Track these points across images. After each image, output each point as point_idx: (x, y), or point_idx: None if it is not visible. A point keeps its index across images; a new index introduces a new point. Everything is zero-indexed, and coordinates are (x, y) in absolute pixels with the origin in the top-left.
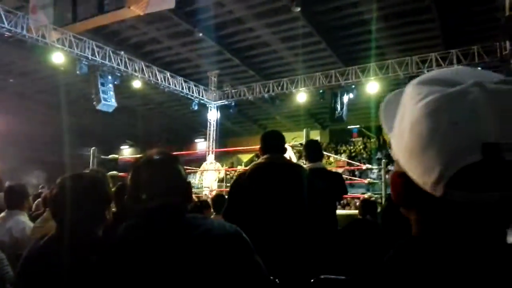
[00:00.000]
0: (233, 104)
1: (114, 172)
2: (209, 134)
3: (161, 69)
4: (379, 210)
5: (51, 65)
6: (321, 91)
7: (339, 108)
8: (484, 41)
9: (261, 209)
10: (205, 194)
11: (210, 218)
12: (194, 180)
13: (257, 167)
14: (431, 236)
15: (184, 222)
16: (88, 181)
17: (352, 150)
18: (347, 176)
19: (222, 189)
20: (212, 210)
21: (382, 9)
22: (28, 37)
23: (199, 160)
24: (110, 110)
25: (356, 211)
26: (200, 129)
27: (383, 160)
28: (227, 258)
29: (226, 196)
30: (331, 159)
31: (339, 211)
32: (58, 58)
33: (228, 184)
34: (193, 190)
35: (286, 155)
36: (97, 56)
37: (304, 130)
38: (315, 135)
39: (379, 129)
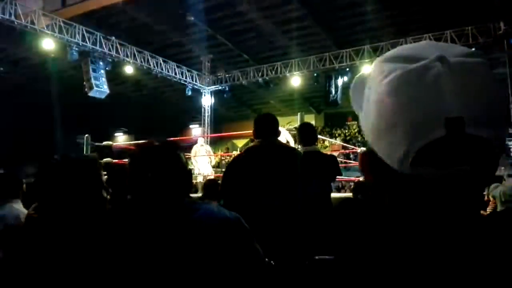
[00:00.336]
0: (227, 89)
1: (109, 159)
2: (204, 120)
3: (154, 55)
4: None
5: (42, 52)
6: (315, 74)
7: (333, 92)
8: (478, 22)
9: (256, 190)
10: (200, 182)
11: (210, 203)
12: (190, 166)
13: (251, 150)
14: (402, 213)
15: (184, 207)
16: (76, 163)
17: (347, 134)
18: (342, 160)
19: (218, 174)
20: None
21: None
22: (17, 23)
23: None
24: (103, 96)
25: (351, 194)
26: (194, 115)
27: None
28: (227, 242)
29: (220, 181)
30: (326, 143)
31: (334, 194)
32: (48, 44)
33: (224, 170)
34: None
35: (284, 139)
36: (87, 42)
37: (299, 114)
38: (310, 119)
39: None
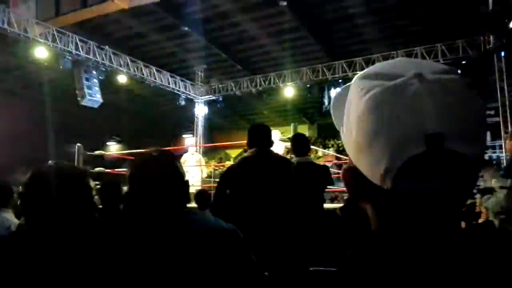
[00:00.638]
0: (220, 99)
1: (101, 169)
2: (197, 130)
3: (147, 64)
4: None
5: (35, 60)
6: (308, 85)
7: (326, 103)
8: (468, 36)
9: (249, 200)
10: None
11: (208, 214)
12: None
13: (245, 160)
14: (386, 229)
15: (183, 217)
16: (64, 175)
17: (340, 145)
18: (335, 170)
19: (210, 185)
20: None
21: (368, 4)
22: (10, 31)
23: None
24: (96, 105)
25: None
26: (187, 124)
27: None
28: (223, 252)
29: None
30: (319, 153)
31: (328, 205)
32: (41, 53)
33: (217, 180)
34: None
35: (279, 150)
36: (81, 51)
37: (292, 124)
38: (303, 130)
39: None
